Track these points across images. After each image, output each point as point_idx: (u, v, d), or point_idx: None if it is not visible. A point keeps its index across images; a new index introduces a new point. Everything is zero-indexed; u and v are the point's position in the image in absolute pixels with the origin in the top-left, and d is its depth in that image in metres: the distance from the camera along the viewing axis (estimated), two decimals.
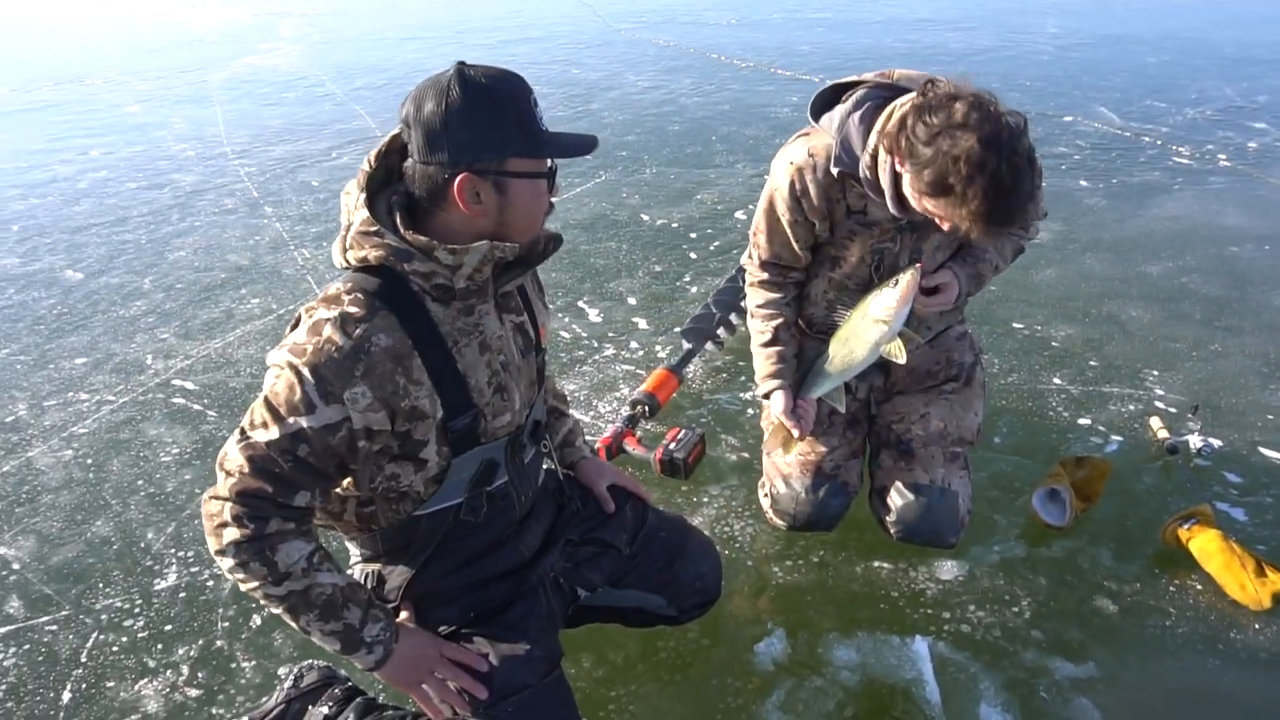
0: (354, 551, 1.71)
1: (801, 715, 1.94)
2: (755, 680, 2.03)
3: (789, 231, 2.13)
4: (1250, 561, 2.20)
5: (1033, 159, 1.74)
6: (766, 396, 2.20)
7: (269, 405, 1.38)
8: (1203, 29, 9.46)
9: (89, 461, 2.91)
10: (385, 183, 1.48)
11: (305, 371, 1.35)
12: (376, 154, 1.47)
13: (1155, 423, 2.78)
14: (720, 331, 3.28)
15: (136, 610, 2.29)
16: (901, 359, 1.93)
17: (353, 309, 1.39)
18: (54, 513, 2.67)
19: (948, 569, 2.30)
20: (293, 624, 1.48)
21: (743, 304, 3.38)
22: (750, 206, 4.87)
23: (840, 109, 1.94)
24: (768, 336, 2.22)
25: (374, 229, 1.41)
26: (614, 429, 2.72)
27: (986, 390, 2.44)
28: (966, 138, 1.65)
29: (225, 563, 1.42)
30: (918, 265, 1.92)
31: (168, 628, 2.23)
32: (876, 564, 2.33)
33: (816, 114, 2.03)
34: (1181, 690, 1.98)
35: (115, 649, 2.18)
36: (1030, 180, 1.72)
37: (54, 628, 2.25)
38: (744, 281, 3.25)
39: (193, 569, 2.42)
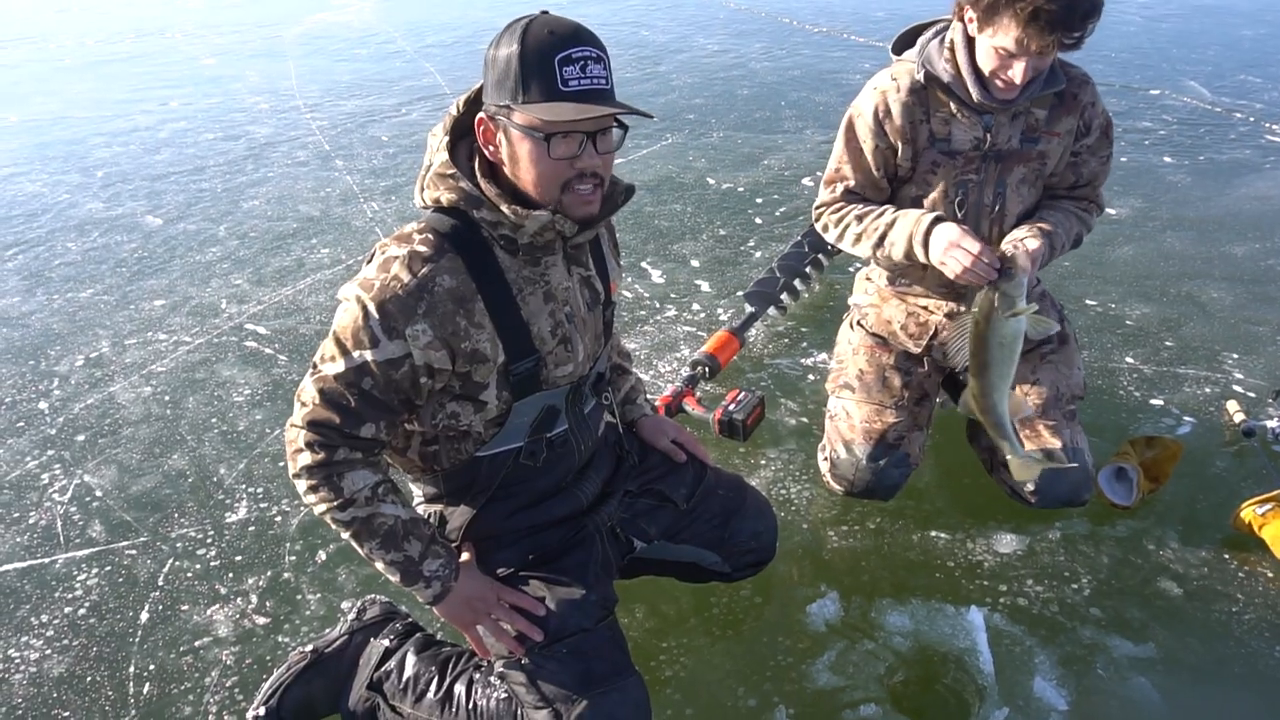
0: (417, 493, 1.76)
1: (852, 677, 1.94)
2: (806, 640, 2.03)
3: (870, 159, 2.14)
4: None
5: None
6: (927, 238, 1.99)
7: (337, 339, 1.45)
8: None
9: (166, 398, 3.02)
10: (472, 128, 1.50)
11: (371, 306, 1.41)
12: (466, 99, 1.50)
13: (1232, 406, 2.69)
14: (784, 296, 3.26)
15: (209, 540, 2.39)
16: (1056, 326, 1.88)
17: (421, 248, 1.44)
18: (134, 445, 2.79)
19: (1007, 542, 2.28)
20: (359, 550, 1.55)
21: (807, 269, 3.36)
22: (818, 174, 4.79)
23: (921, 39, 2.09)
24: (890, 214, 2.09)
25: (450, 172, 1.45)
26: (674, 389, 2.73)
27: (1078, 343, 2.42)
28: None
29: (300, 485, 1.50)
30: (1016, 245, 1.90)
31: (238, 558, 2.32)
32: (934, 534, 2.31)
33: (899, 52, 2.16)
34: (1245, 676, 1.94)
35: (189, 575, 2.28)
36: None
37: (133, 552, 2.36)
38: (809, 245, 3.22)
39: (262, 504, 2.50)
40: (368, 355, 1.42)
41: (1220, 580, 2.17)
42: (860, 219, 2.13)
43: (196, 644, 2.07)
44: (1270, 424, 2.58)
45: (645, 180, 4.75)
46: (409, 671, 1.72)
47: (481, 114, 1.43)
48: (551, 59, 1.34)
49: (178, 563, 2.32)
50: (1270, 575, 2.17)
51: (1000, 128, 2.06)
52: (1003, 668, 1.95)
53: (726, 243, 4.02)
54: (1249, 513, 2.23)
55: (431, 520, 1.73)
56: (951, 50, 2.01)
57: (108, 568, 2.31)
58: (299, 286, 3.75)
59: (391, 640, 1.80)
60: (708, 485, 1.96)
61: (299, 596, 2.19)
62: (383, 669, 1.75)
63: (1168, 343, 3.15)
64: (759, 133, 5.52)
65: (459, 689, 1.65)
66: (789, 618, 2.09)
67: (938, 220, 1.99)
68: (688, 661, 1.99)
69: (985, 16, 1.85)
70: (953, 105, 2.06)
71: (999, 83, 1.95)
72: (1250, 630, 2.04)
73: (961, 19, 1.95)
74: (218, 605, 2.18)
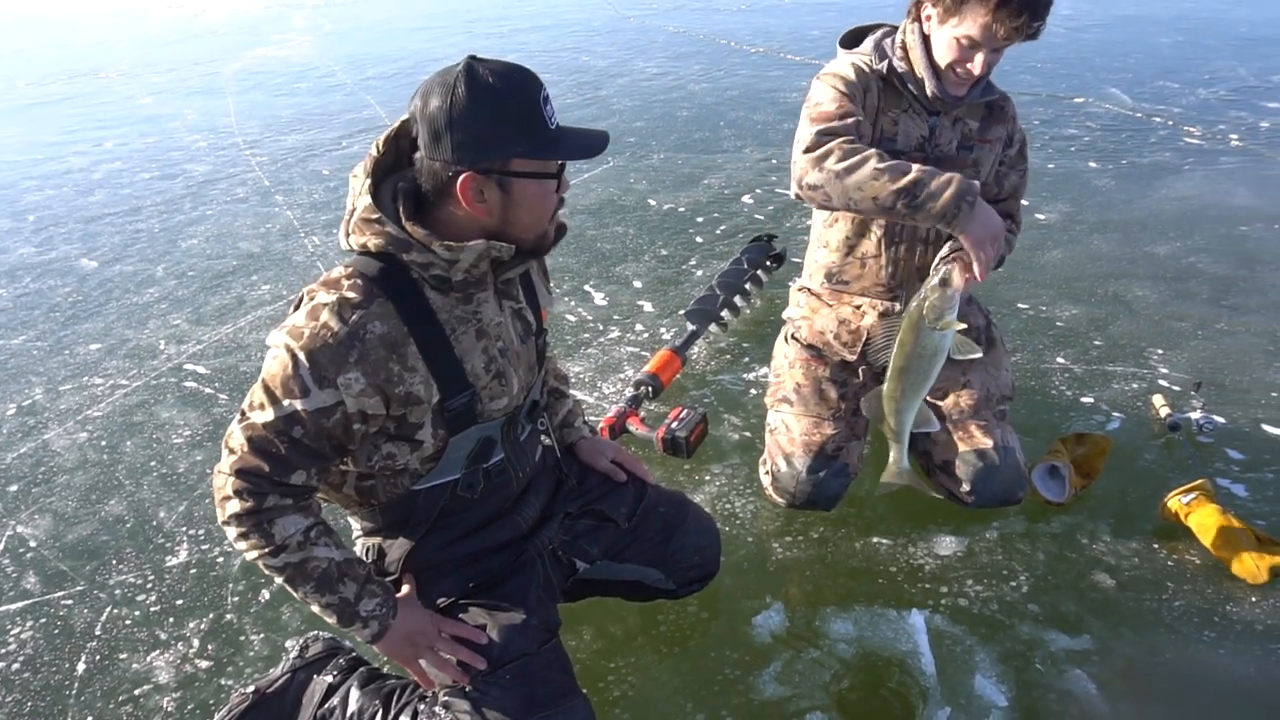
0: (355, 526, 1.75)
1: (798, 686, 1.96)
2: (752, 653, 2.05)
3: (860, 108, 2.09)
4: (1249, 536, 2.21)
5: None
6: (962, 199, 1.92)
7: (266, 387, 1.42)
8: (1217, 8, 9.35)
9: (103, 443, 2.96)
10: (394, 167, 1.49)
11: (300, 355, 1.38)
12: (386, 139, 1.48)
13: (1158, 400, 2.78)
14: (724, 313, 3.30)
15: (149, 586, 2.34)
16: (979, 352, 1.90)
17: (351, 294, 1.41)
18: (69, 493, 2.73)
19: (946, 545, 2.32)
20: (294, 594, 1.53)
21: (747, 285, 3.41)
22: (758, 190, 4.88)
23: (870, 39, 2.17)
24: (905, 165, 1.94)
25: (375, 216, 1.43)
26: (617, 409, 2.75)
27: (1006, 347, 2.49)
28: None
29: (230, 531, 1.48)
30: (956, 257, 1.93)
31: (179, 602, 2.28)
32: (875, 540, 2.35)
33: (848, 48, 2.24)
34: (1176, 662, 2.00)
35: (128, 623, 2.23)
36: None
37: (69, 602, 2.30)
38: (748, 262, 3.25)
39: (203, 546, 2.46)
40: (298, 405, 1.40)
41: (1151, 570, 2.24)
42: (882, 158, 1.94)
43: (136, 692, 2.03)
44: (1194, 416, 2.67)
45: (587, 204, 4.78)
46: (353, 706, 1.71)
47: (466, 174, 1.38)
48: (536, 104, 1.37)
49: (116, 610, 2.27)
50: (1197, 562, 2.24)
51: (943, 130, 2.15)
52: (944, 668, 1.98)
53: (668, 263, 4.07)
54: (1175, 502, 2.30)
55: (370, 553, 1.72)
56: (904, 49, 2.09)
57: (43, 619, 2.25)
58: (239, 324, 3.71)
59: (335, 676, 1.78)
60: (649, 503, 1.97)
61: (242, 638, 2.16)
62: (326, 705, 1.73)
63: (1096, 342, 3.25)
64: (699, 153, 5.59)
65: None
66: (735, 631, 2.11)
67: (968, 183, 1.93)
68: (636, 681, 1.99)
69: (950, 6, 1.92)
70: (903, 104, 2.13)
71: (956, 74, 2.01)
72: (1180, 617, 2.10)
73: (919, 18, 2.04)
74: (158, 651, 2.14)
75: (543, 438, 1.87)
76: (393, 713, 1.68)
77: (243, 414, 1.45)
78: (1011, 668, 1.99)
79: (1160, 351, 3.18)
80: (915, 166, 1.93)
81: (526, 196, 1.42)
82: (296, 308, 1.48)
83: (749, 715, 1.90)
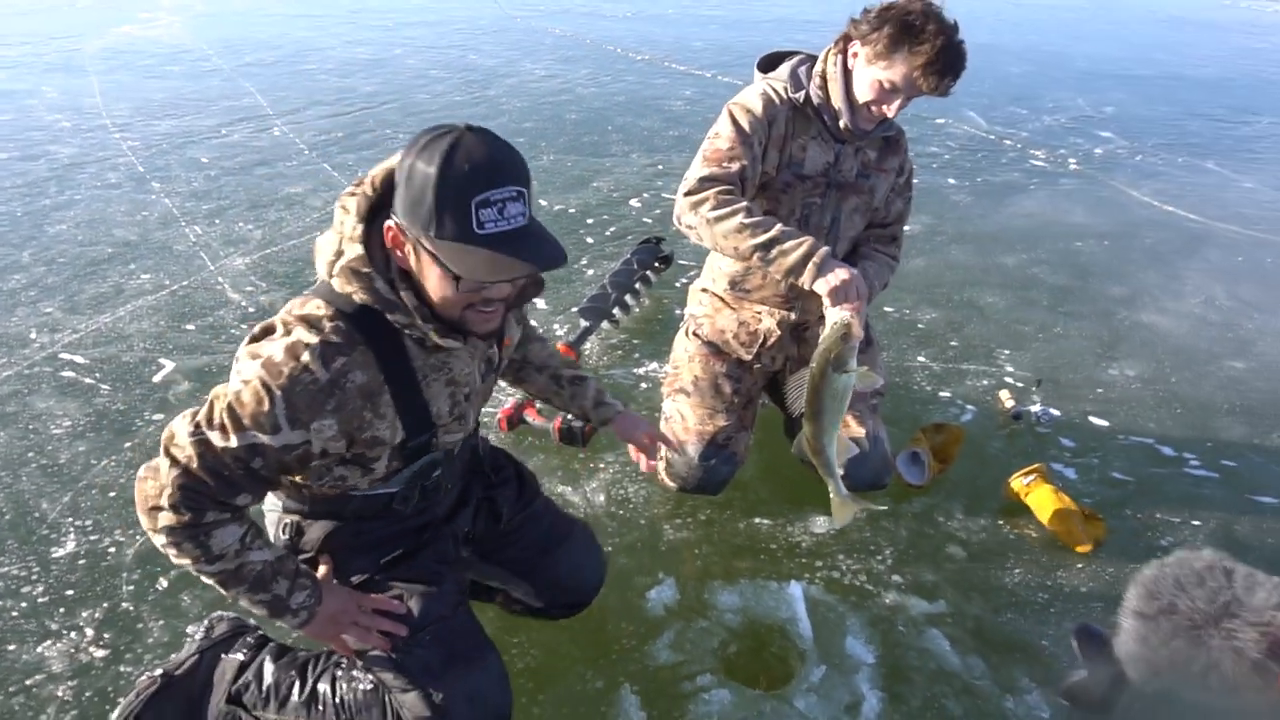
0: (274, 500, 1.74)
1: (689, 653, 2.13)
2: (647, 624, 2.20)
3: (756, 149, 2.19)
4: (1077, 512, 2.52)
5: None
6: (808, 259, 2.04)
7: (233, 412, 1.39)
8: (1060, 43, 10.24)
9: None
10: (382, 205, 1.45)
11: (278, 394, 1.38)
12: (383, 177, 1.44)
13: (1004, 394, 3.11)
14: (616, 311, 3.45)
15: (34, 577, 2.29)
16: (881, 382, 2.02)
17: (334, 338, 1.41)
18: None
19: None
20: (224, 593, 1.55)
21: (637, 285, 3.57)
22: (646, 194, 5.06)
23: (787, 65, 2.28)
24: (769, 223, 2.08)
25: (366, 270, 1.40)
26: (515, 401, 2.85)
27: (879, 345, 2.73)
28: (914, 2, 2.05)
29: (158, 539, 1.46)
30: (853, 311, 2.02)
31: (69, 593, 2.24)
32: (757, 520, 2.55)
33: (765, 71, 2.34)
34: (1016, 620, 2.28)
35: (14, 614, 2.18)
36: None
37: None
38: (638, 262, 3.41)
39: (92, 537, 2.42)
40: (264, 439, 1.39)
41: (996, 543, 2.53)
42: (750, 214, 2.09)
43: (28, 682, 2.00)
44: (1033, 409, 3.01)
45: None
46: (269, 679, 1.74)
47: (392, 222, 1.38)
48: (469, 200, 1.28)
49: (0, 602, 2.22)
50: (1034, 535, 2.55)
51: (845, 158, 2.30)
52: (820, 632, 2.19)
53: None
54: (1016, 483, 2.60)
55: (287, 530, 1.73)
56: (823, 79, 2.21)
57: None
58: (119, 313, 3.60)
59: (245, 653, 1.80)
60: (535, 510, 2.02)
61: (140, 625, 2.15)
62: (240, 681, 1.75)
63: (953, 342, 3.58)
64: (587, 156, 5.73)
65: (323, 687, 1.69)
66: (630, 605, 2.26)
67: (824, 250, 2.06)
68: (538, 654, 2.11)
69: (882, 51, 2.05)
70: (813, 130, 2.26)
71: (869, 111, 2.16)
72: (1020, 582, 2.39)
73: (844, 51, 2.17)
74: (49, 641, 2.10)
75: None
76: (310, 681, 1.71)
77: (197, 426, 1.40)
78: (878, 630, 2.22)
79: (1007, 352, 3.53)
80: (778, 226, 2.07)
81: (429, 274, 1.39)
82: (266, 334, 1.46)
83: (645, 680, 2.06)
